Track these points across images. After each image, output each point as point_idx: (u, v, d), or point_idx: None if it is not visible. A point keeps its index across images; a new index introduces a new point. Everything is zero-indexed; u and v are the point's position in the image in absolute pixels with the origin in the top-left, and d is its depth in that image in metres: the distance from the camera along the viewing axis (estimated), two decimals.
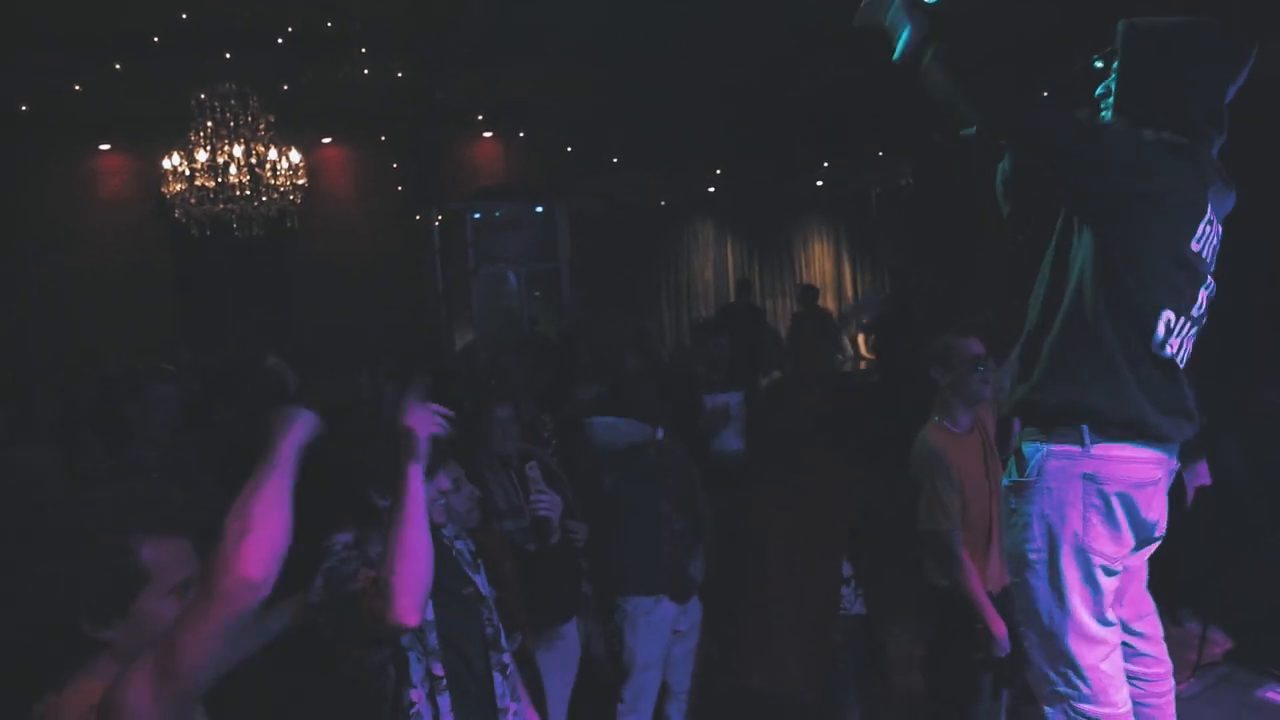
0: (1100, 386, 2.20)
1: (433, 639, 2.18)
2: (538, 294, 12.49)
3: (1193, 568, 3.70)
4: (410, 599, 1.92)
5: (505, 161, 11.63)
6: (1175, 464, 2.34)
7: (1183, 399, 2.27)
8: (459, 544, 2.47)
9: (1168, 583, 2.59)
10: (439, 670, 2.18)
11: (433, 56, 7.84)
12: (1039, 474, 2.27)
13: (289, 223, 7.96)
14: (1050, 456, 2.26)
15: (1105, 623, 2.26)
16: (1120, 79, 2.33)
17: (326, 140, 9.78)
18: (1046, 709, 2.35)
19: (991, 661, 3.16)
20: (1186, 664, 3.56)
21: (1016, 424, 3.58)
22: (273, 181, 7.56)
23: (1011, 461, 2.39)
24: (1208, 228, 2.23)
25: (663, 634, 3.66)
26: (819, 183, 13.56)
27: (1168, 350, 2.21)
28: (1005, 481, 2.41)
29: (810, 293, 10.45)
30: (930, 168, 12.03)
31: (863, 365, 10.50)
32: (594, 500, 3.68)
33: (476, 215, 11.70)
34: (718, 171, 11.97)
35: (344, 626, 2.08)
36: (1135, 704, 2.37)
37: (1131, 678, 2.39)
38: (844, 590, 3.41)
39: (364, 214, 9.99)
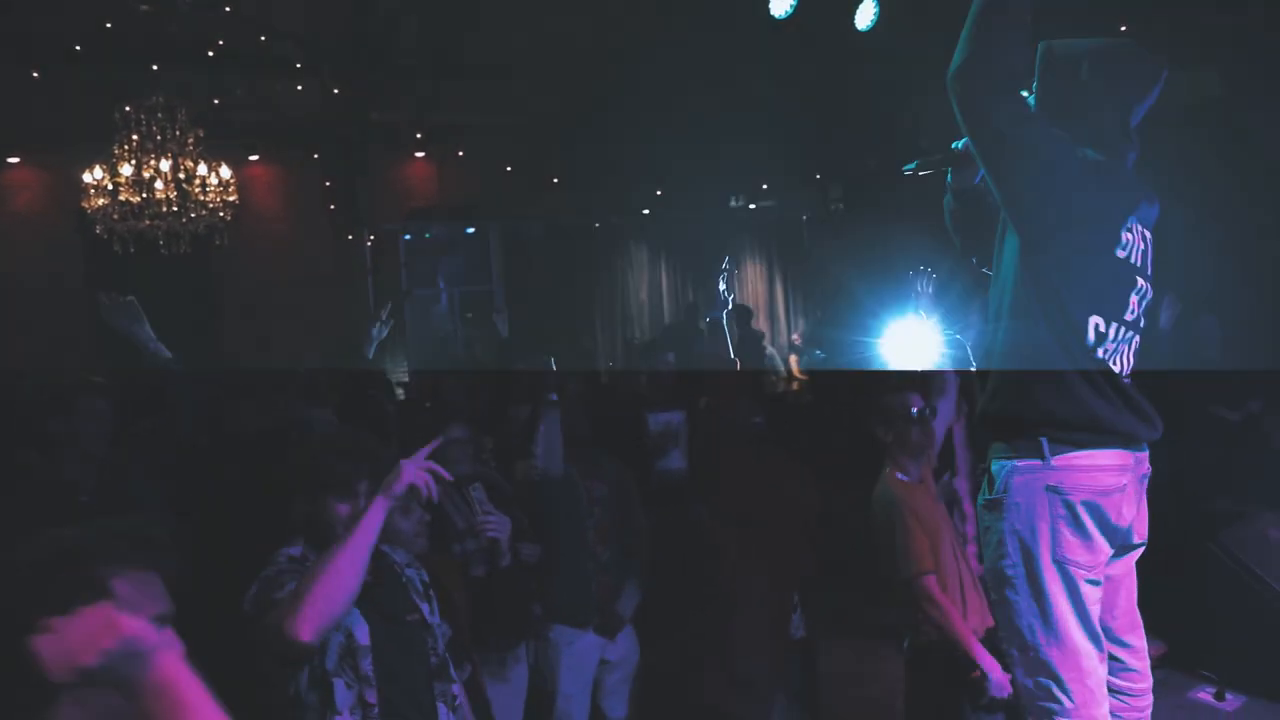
0: (1048, 390, 2.24)
1: (366, 665, 2.14)
2: (469, 315, 12.37)
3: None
4: (313, 616, 1.90)
5: (439, 182, 11.54)
6: (1146, 468, 2.36)
7: (1135, 400, 2.30)
8: (409, 572, 2.42)
9: None
10: (372, 698, 2.12)
11: (368, 74, 7.74)
12: (1006, 490, 2.31)
13: (218, 240, 7.72)
14: (1015, 472, 2.29)
15: (1091, 635, 2.26)
16: (1039, 99, 2.40)
17: (254, 158, 9.55)
18: None
19: (995, 704, 3.02)
20: None
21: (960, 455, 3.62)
22: (202, 198, 7.33)
23: (984, 481, 2.42)
24: (1130, 235, 2.29)
25: (586, 665, 3.63)
26: (751, 206, 13.77)
27: (1100, 354, 2.26)
28: (980, 501, 2.44)
29: (744, 313, 10.57)
30: (858, 192, 12.37)
31: (795, 386, 10.62)
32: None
33: (408, 236, 11.56)
34: (658, 193, 12.06)
35: (258, 637, 2.05)
36: (1115, 717, 2.38)
37: (1116, 691, 2.40)
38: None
39: (294, 233, 9.76)
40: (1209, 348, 6.57)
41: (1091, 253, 2.27)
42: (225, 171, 7.64)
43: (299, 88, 7.99)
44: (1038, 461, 2.25)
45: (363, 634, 2.15)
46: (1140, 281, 2.33)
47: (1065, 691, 2.23)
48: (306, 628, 1.89)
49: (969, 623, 3.09)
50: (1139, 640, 2.46)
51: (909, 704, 3.29)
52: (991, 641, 3.02)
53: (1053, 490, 2.25)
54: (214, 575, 2.21)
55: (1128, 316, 2.31)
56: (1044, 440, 2.24)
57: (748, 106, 9.04)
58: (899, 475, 3.27)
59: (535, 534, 3.54)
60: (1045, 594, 2.24)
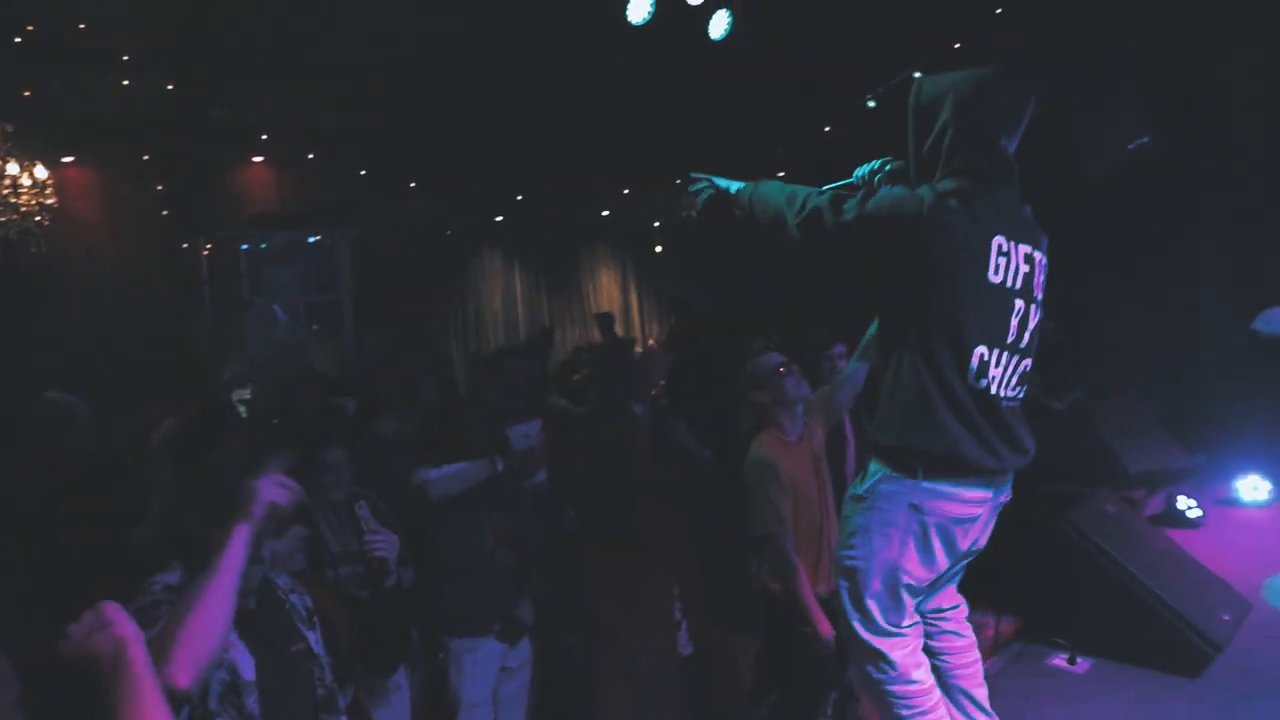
0: (921, 428, 2.35)
1: (251, 702, 2.01)
2: (316, 327, 11.84)
3: (979, 562, 4.06)
4: (187, 660, 1.76)
5: (280, 187, 10.98)
6: (1005, 497, 2.52)
7: (1008, 429, 2.40)
8: (294, 598, 2.30)
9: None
10: None
11: (207, 71, 7.24)
12: (873, 493, 2.44)
13: (33, 247, 7.02)
14: (886, 480, 2.43)
15: (900, 628, 2.47)
16: (914, 129, 2.51)
17: (67, 160, 8.78)
18: (864, 696, 2.56)
19: (820, 661, 3.28)
20: (984, 646, 3.87)
21: (848, 427, 3.82)
22: (14, 200, 6.65)
23: (860, 475, 2.56)
24: (1003, 260, 2.36)
25: (489, 672, 3.56)
26: (605, 213, 13.82)
27: (982, 383, 2.34)
28: (849, 492, 2.57)
29: (607, 320, 10.60)
30: (710, 200, 12.64)
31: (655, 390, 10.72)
32: (419, 536, 3.50)
33: (244, 246, 10.96)
34: (518, 197, 11.90)
35: None
36: (946, 677, 2.60)
37: (939, 653, 2.63)
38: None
39: (122, 240, 9.00)
40: (1051, 347, 7.10)
41: (966, 292, 2.33)
42: (41, 171, 6.98)
43: (125, 82, 7.37)
44: (910, 480, 2.38)
45: (248, 668, 2.02)
46: (1018, 303, 2.39)
47: (889, 663, 2.44)
48: (183, 674, 1.74)
49: (820, 581, 3.32)
50: (956, 606, 2.71)
51: (766, 646, 3.56)
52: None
53: (914, 508, 2.39)
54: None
55: (1009, 340, 2.38)
56: (919, 469, 2.38)
57: (606, 111, 9.06)
58: (777, 434, 3.43)
59: (432, 542, 3.43)
60: (870, 591, 2.44)
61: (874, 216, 2.36)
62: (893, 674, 2.43)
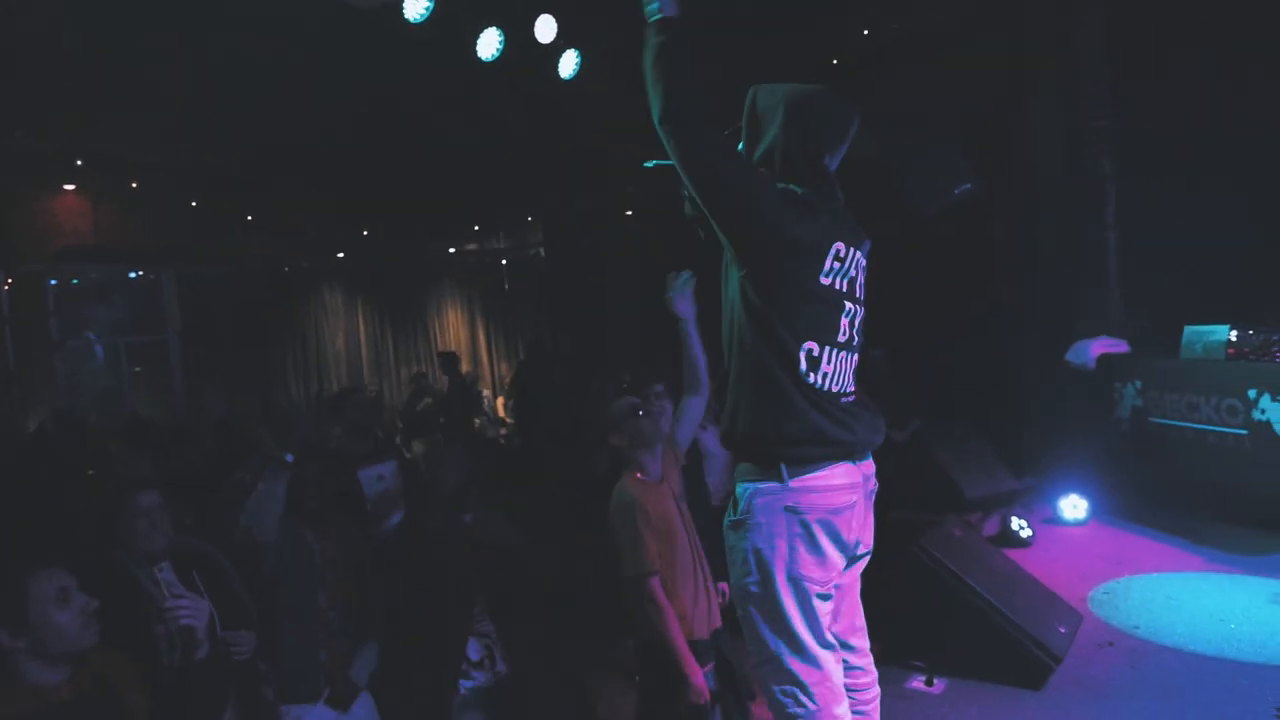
0: (778, 411, 2.39)
1: None
2: (138, 369, 11.00)
3: None
4: None
5: (94, 219, 10.18)
6: (874, 484, 2.58)
7: (857, 413, 2.48)
8: None
9: None
10: None
11: (11, 90, 6.63)
12: (749, 511, 2.42)
13: None
14: (757, 494, 2.41)
15: (825, 644, 2.42)
16: (747, 136, 2.59)
17: None
18: None
19: (694, 711, 3.13)
20: None
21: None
22: None
23: (730, 503, 2.51)
24: (836, 264, 2.46)
25: None
26: (451, 250, 13.60)
27: (812, 379, 2.41)
28: (726, 521, 2.52)
29: (450, 359, 10.37)
30: (560, 237, 12.65)
31: (502, 431, 10.57)
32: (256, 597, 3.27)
33: (54, 281, 10.09)
34: (364, 233, 11.51)
35: None
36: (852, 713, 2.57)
37: (846, 690, 2.57)
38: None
39: None
40: (880, 376, 7.47)
41: (800, 281, 2.42)
42: None
43: None
44: (776, 484, 2.39)
45: None
46: (849, 305, 2.51)
47: (809, 695, 2.38)
48: None
49: (696, 624, 3.20)
50: (863, 641, 2.68)
51: (642, 696, 3.35)
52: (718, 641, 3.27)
53: (791, 510, 2.39)
54: None
55: (840, 339, 2.48)
56: (783, 466, 2.39)
57: (453, 148, 8.93)
58: (639, 475, 3.35)
59: (258, 600, 3.17)
60: (782, 608, 2.39)
61: (747, 175, 2.40)
62: (812, 708, 2.37)
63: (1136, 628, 4.54)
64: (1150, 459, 6.59)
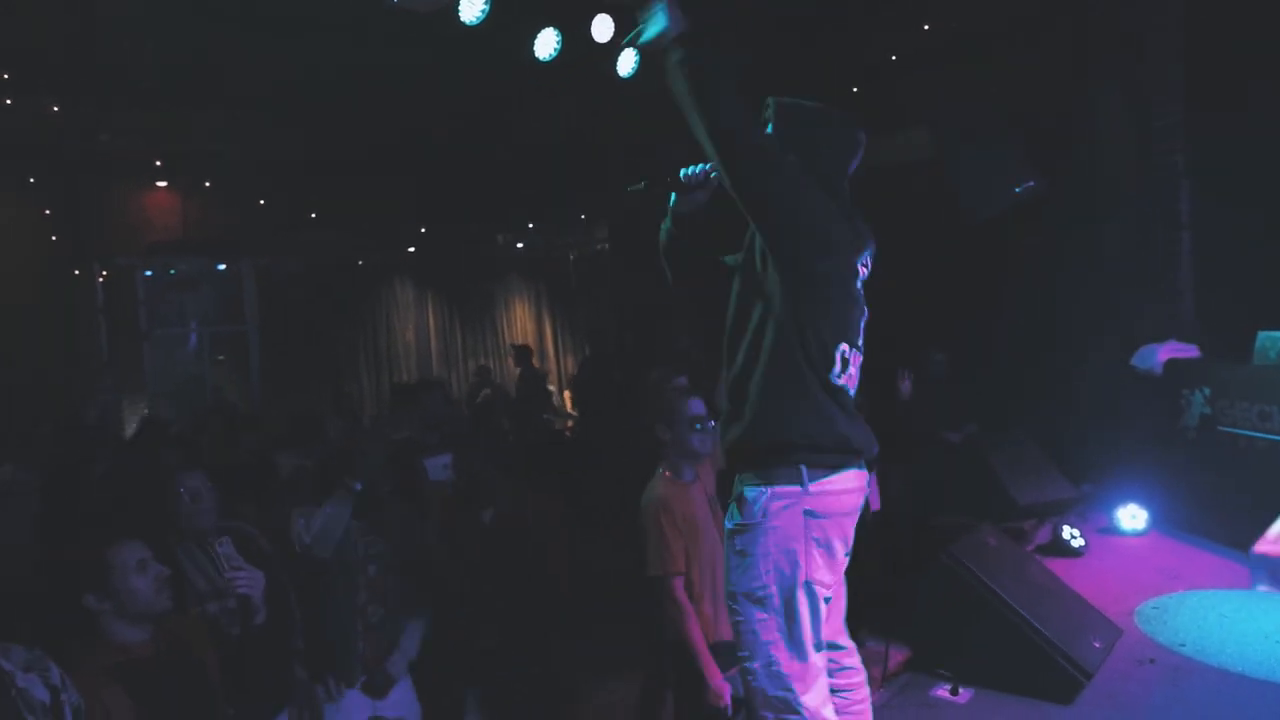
0: (809, 416, 2.40)
1: None
2: (222, 358, 11.51)
3: (868, 590, 4.15)
4: None
5: (183, 214, 10.69)
6: (868, 489, 2.61)
7: (860, 418, 2.53)
8: (27, 679, 2.13)
9: (849, 606, 2.76)
10: None
11: (98, 92, 7.02)
12: (764, 515, 2.40)
13: None
14: (773, 498, 2.39)
15: (819, 647, 2.44)
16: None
17: None
18: None
19: (715, 714, 3.14)
20: (874, 678, 3.94)
21: None
22: None
23: (733, 506, 2.49)
24: (863, 269, 2.56)
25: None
26: (519, 245, 13.82)
27: (841, 380, 2.45)
28: (728, 525, 2.50)
29: (524, 352, 10.61)
30: (625, 233, 12.72)
31: (569, 424, 10.73)
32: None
33: (149, 273, 10.62)
34: (422, 230, 11.81)
35: None
36: (839, 714, 2.57)
37: (837, 690, 2.60)
38: None
39: (4, 266, 8.62)
40: (940, 378, 7.36)
41: (843, 283, 2.47)
42: None
43: (8, 101, 7.09)
44: (796, 488, 2.37)
45: None
46: (866, 309, 2.59)
47: (802, 700, 2.39)
48: None
49: (720, 626, 3.17)
50: (848, 641, 2.70)
51: (675, 693, 3.39)
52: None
53: (810, 514, 2.39)
54: None
55: (859, 340, 2.55)
56: (803, 467, 2.38)
57: (514, 145, 9.09)
58: (670, 475, 3.37)
59: (300, 592, 3.35)
60: (796, 614, 2.38)
61: (795, 188, 2.41)
62: (805, 713, 2.39)
63: (1183, 645, 4.38)
64: (1217, 470, 6.31)
